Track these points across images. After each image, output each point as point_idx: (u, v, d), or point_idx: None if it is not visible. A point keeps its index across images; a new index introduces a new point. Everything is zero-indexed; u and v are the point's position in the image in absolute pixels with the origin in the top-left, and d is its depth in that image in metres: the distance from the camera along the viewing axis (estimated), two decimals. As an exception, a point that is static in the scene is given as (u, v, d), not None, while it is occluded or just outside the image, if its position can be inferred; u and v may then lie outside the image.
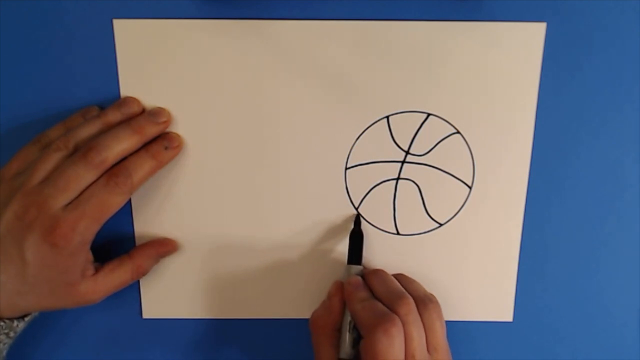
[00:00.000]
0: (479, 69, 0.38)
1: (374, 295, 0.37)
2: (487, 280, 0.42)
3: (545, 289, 0.42)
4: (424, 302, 0.36)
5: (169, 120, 0.38)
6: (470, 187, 0.40)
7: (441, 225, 0.41)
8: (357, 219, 0.40)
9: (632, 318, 0.43)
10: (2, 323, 0.35)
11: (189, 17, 0.37)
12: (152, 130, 0.37)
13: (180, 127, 0.39)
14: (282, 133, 0.39)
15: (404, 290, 0.37)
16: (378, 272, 0.39)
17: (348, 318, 0.37)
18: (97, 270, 0.37)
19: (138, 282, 0.42)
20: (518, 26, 0.37)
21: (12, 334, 0.36)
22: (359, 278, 0.38)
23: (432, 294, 0.38)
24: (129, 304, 0.42)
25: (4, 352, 0.37)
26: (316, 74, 0.38)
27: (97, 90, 0.38)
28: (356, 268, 0.39)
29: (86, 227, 0.34)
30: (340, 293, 0.38)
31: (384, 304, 0.36)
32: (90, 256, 0.36)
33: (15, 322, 0.36)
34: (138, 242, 0.41)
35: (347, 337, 0.37)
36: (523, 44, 0.38)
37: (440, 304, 0.37)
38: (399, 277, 0.39)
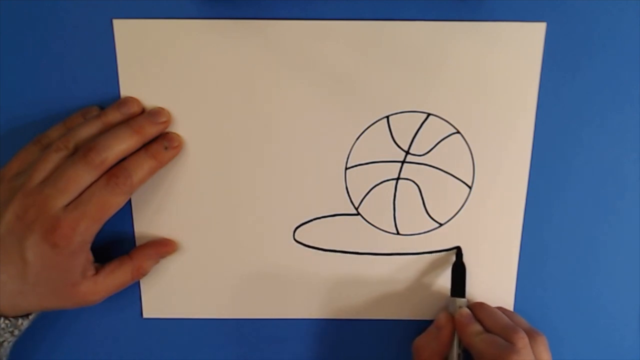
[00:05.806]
0: (479, 69, 0.38)
1: (485, 328, 0.38)
2: (487, 280, 0.42)
3: (545, 289, 0.42)
4: (534, 336, 0.37)
5: (169, 120, 0.38)
6: (470, 187, 0.40)
7: (441, 225, 0.41)
8: (459, 251, 0.40)
9: (632, 318, 0.43)
10: (7, 322, 0.35)
11: (189, 17, 0.37)
12: (152, 130, 0.37)
13: (180, 127, 0.39)
14: (282, 133, 0.39)
15: (515, 325, 0.38)
16: (484, 306, 0.40)
17: (456, 350, 0.38)
18: (97, 271, 0.37)
19: (138, 282, 0.42)
20: (518, 26, 0.37)
21: (16, 332, 0.37)
22: (469, 311, 0.39)
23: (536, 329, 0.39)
24: (129, 304, 0.42)
25: (8, 350, 0.37)
26: (316, 74, 0.38)
27: (97, 90, 0.38)
28: (461, 301, 0.40)
29: (86, 228, 0.34)
30: (450, 325, 0.39)
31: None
32: (90, 256, 0.37)
33: (20, 321, 0.36)
34: (138, 242, 0.41)
35: None
36: (523, 44, 0.37)
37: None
38: (502, 310, 0.40)
